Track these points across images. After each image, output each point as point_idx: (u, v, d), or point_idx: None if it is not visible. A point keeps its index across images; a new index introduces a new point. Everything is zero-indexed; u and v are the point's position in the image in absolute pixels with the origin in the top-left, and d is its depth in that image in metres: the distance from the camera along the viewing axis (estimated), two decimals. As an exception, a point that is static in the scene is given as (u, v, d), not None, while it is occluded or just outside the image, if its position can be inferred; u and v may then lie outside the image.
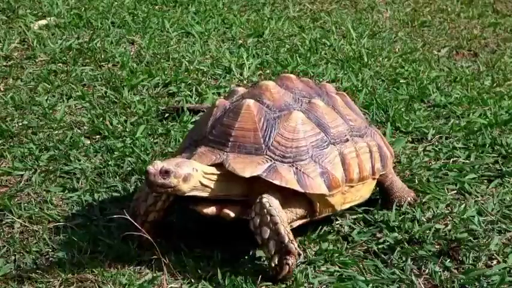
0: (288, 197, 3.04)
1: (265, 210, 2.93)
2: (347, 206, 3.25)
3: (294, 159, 3.05)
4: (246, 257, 3.15)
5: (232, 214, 3.03)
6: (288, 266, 2.93)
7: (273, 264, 2.94)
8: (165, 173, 2.87)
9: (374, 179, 3.33)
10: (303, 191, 3.01)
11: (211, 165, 3.02)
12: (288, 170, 3.02)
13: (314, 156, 3.08)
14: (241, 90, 3.35)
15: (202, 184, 2.97)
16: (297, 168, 3.04)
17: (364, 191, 3.29)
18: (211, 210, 3.03)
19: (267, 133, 3.07)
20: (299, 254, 3.03)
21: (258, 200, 2.96)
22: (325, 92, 3.36)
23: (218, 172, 3.01)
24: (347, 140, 3.20)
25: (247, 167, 2.99)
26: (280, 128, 3.08)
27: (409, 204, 3.47)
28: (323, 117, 3.18)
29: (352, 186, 3.19)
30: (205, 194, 3.00)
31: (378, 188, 3.53)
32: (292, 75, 3.36)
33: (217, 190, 3.01)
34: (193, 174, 2.93)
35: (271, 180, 2.97)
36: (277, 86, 3.23)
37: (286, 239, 2.93)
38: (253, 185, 3.03)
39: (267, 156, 3.04)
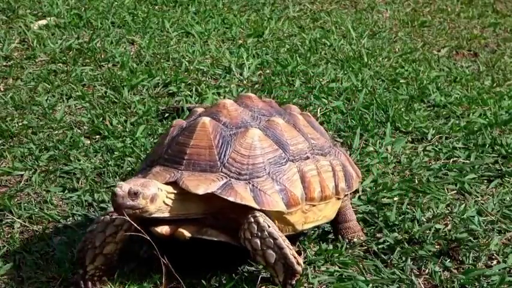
0: (242, 215, 2.92)
1: (266, 233, 2.86)
2: (309, 226, 3.12)
3: (251, 176, 2.96)
4: (246, 257, 3.15)
5: (187, 234, 2.92)
6: (291, 286, 2.91)
7: (276, 281, 2.92)
8: (134, 194, 2.80)
9: (339, 199, 3.20)
10: (259, 208, 2.90)
11: (166, 183, 2.93)
12: (244, 187, 2.93)
13: (271, 173, 2.99)
14: (200, 110, 3.25)
15: (165, 204, 2.90)
16: (253, 185, 2.94)
17: (328, 211, 3.16)
18: (165, 230, 2.93)
19: (222, 150, 2.99)
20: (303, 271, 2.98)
21: (251, 220, 2.88)
22: (288, 112, 3.27)
23: (176, 191, 2.92)
24: (307, 158, 3.10)
25: (201, 185, 2.90)
26: (236, 145, 3.00)
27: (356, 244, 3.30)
28: (282, 134, 3.08)
29: (314, 205, 3.07)
30: (166, 215, 2.91)
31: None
32: (252, 95, 3.28)
33: (177, 210, 2.92)
34: (159, 194, 2.86)
35: (225, 197, 2.88)
36: (235, 104, 3.16)
37: (295, 263, 2.87)
38: (211, 203, 2.95)
39: (222, 174, 2.95)
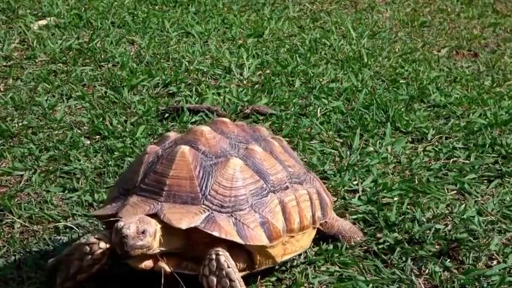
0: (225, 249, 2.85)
1: (224, 272, 2.75)
2: (287, 257, 3.03)
3: (233, 209, 2.86)
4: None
5: (167, 268, 2.82)
6: None
7: None
8: (142, 233, 2.71)
9: (314, 228, 3.12)
10: (243, 243, 2.82)
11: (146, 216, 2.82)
12: (227, 220, 2.83)
13: (254, 205, 2.89)
14: (172, 135, 3.13)
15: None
16: (236, 218, 2.84)
17: (305, 241, 3.07)
18: (146, 264, 2.81)
19: (203, 181, 2.87)
20: None
21: (213, 257, 2.78)
22: (261, 137, 3.16)
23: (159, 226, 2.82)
24: (287, 188, 3.01)
25: (184, 218, 2.79)
26: (217, 176, 2.88)
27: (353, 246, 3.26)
28: (262, 163, 2.98)
29: (292, 237, 2.98)
30: (157, 251, 2.80)
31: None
32: (227, 120, 3.15)
33: (160, 244, 2.80)
34: (158, 230, 2.78)
35: (209, 232, 2.78)
36: (212, 131, 3.03)
37: None
38: (192, 236, 2.85)
39: (204, 206, 2.83)
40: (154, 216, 2.80)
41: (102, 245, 2.83)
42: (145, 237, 2.72)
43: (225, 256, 2.78)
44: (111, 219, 2.82)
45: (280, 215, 2.92)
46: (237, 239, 2.80)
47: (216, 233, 2.78)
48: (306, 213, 3.02)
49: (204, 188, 2.86)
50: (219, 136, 3.01)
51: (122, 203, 2.89)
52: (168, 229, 2.80)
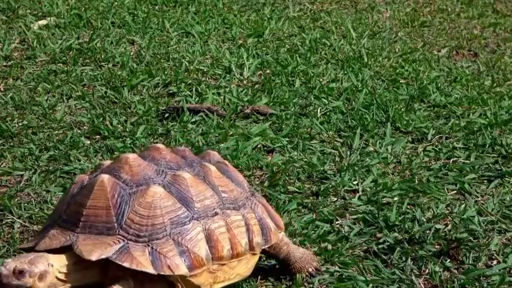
0: (144, 281, 2.78)
1: None
2: (220, 285, 2.91)
3: (150, 238, 2.76)
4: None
5: None
6: None
7: None
8: (19, 273, 2.62)
9: (254, 254, 2.98)
10: (155, 272, 2.72)
11: (61, 247, 2.76)
12: (142, 250, 2.74)
13: (173, 233, 2.79)
14: (106, 163, 3.02)
15: (59, 279, 2.72)
16: (152, 247, 2.75)
17: (241, 268, 2.94)
18: None
19: (120, 211, 2.78)
20: None
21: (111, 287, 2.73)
22: (202, 162, 3.04)
23: (72, 258, 2.73)
24: (215, 214, 2.89)
25: (95, 249, 2.70)
26: (135, 205, 2.79)
27: (311, 276, 3.09)
28: (187, 190, 2.86)
29: (223, 264, 2.87)
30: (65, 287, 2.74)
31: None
32: (161, 146, 3.02)
33: (74, 280, 2.73)
34: (49, 271, 2.67)
35: (120, 263, 2.69)
36: (140, 158, 2.93)
37: None
38: (108, 268, 2.77)
39: (119, 236, 2.75)
40: (70, 247, 2.73)
41: None
42: (24, 278, 2.62)
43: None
44: (30, 252, 2.75)
45: (203, 243, 2.81)
46: (149, 270, 2.70)
47: (127, 264, 2.69)
48: (239, 240, 2.90)
49: (120, 218, 2.78)
50: (146, 163, 2.91)
51: (43, 235, 2.83)
52: (83, 261, 2.72)
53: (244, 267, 2.95)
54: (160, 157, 2.95)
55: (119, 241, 2.74)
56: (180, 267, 2.74)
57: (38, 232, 3.04)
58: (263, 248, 2.99)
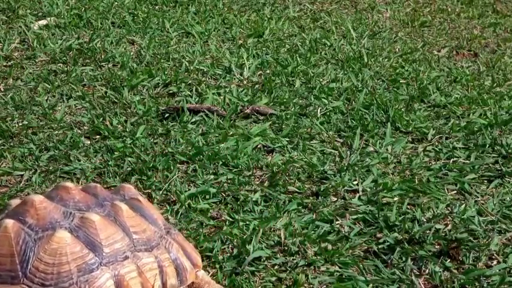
0: None
1: None
2: None
3: (56, 287, 2.64)
4: (246, 258, 3.15)
5: None
6: None
7: None
8: None
9: None
10: None
11: None
12: None
13: (80, 282, 2.66)
14: (13, 204, 2.88)
15: None
16: None
17: None
18: None
19: (25, 258, 2.65)
20: None
21: None
22: (111, 201, 2.90)
23: None
24: (126, 258, 2.75)
25: None
26: (40, 252, 2.66)
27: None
28: (96, 234, 2.73)
29: None
30: None
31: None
32: (70, 185, 2.88)
33: None
34: None
35: None
36: (47, 200, 2.79)
37: None
38: None
39: (24, 286, 2.62)
40: None
41: None
42: None
43: None
44: None
45: None
46: None
47: None
48: (152, 283, 2.77)
49: (25, 266, 2.66)
50: (53, 205, 2.78)
51: None
52: None
53: None
54: (69, 197, 2.82)
55: None
56: None
57: None
58: None
